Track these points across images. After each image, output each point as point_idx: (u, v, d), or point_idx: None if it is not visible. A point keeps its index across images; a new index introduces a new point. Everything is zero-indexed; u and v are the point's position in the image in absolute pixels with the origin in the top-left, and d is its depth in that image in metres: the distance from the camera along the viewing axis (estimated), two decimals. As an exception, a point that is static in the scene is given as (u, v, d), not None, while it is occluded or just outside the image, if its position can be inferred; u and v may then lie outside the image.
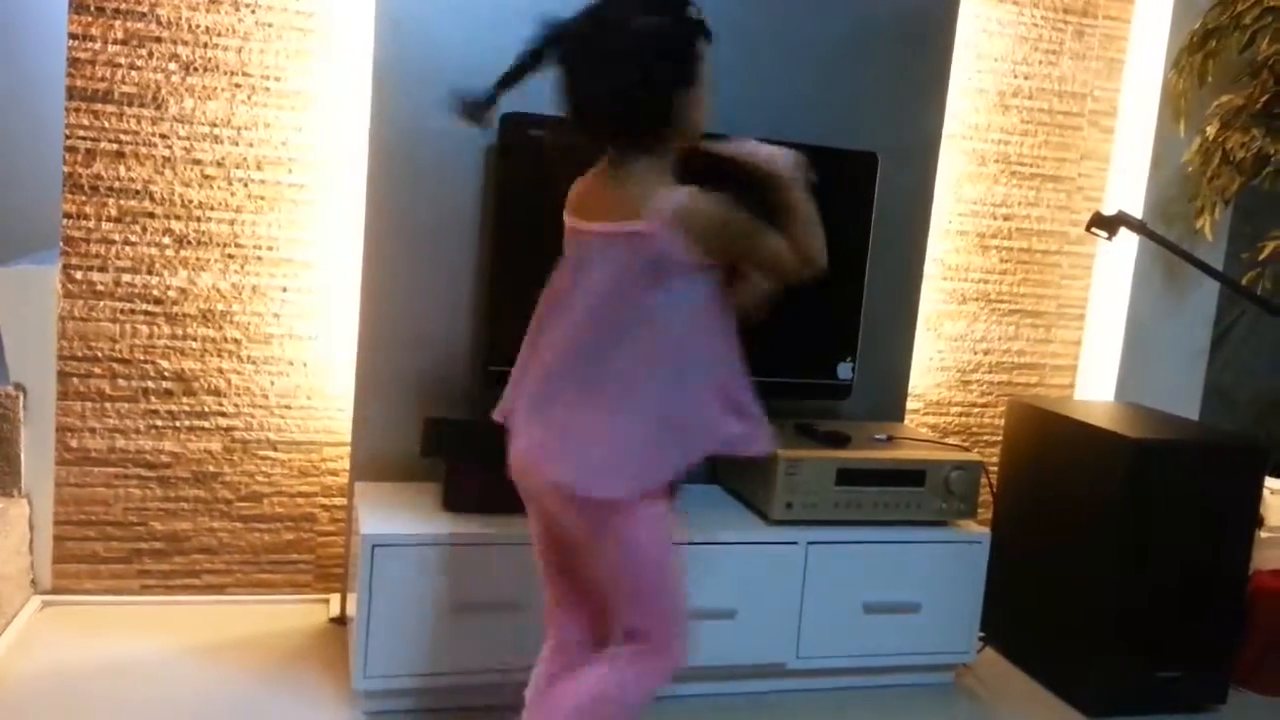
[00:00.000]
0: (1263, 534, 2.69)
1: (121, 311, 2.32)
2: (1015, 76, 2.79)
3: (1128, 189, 2.83)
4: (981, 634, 2.38)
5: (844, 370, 2.44)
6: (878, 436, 2.38)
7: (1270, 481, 2.83)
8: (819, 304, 2.41)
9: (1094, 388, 2.91)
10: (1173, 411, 2.65)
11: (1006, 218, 2.85)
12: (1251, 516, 2.37)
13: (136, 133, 2.28)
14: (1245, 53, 2.58)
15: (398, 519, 2.05)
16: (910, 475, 2.27)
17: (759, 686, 2.24)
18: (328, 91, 2.35)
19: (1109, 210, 2.61)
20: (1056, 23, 2.80)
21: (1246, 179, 2.55)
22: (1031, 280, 2.89)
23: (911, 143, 2.55)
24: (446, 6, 2.21)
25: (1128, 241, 2.73)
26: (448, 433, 2.14)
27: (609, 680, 1.50)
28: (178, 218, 2.32)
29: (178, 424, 2.37)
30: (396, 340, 2.26)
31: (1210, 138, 2.61)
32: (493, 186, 2.24)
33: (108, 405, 2.33)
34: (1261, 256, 2.52)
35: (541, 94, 2.21)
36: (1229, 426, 3.20)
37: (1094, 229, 2.50)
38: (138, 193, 2.29)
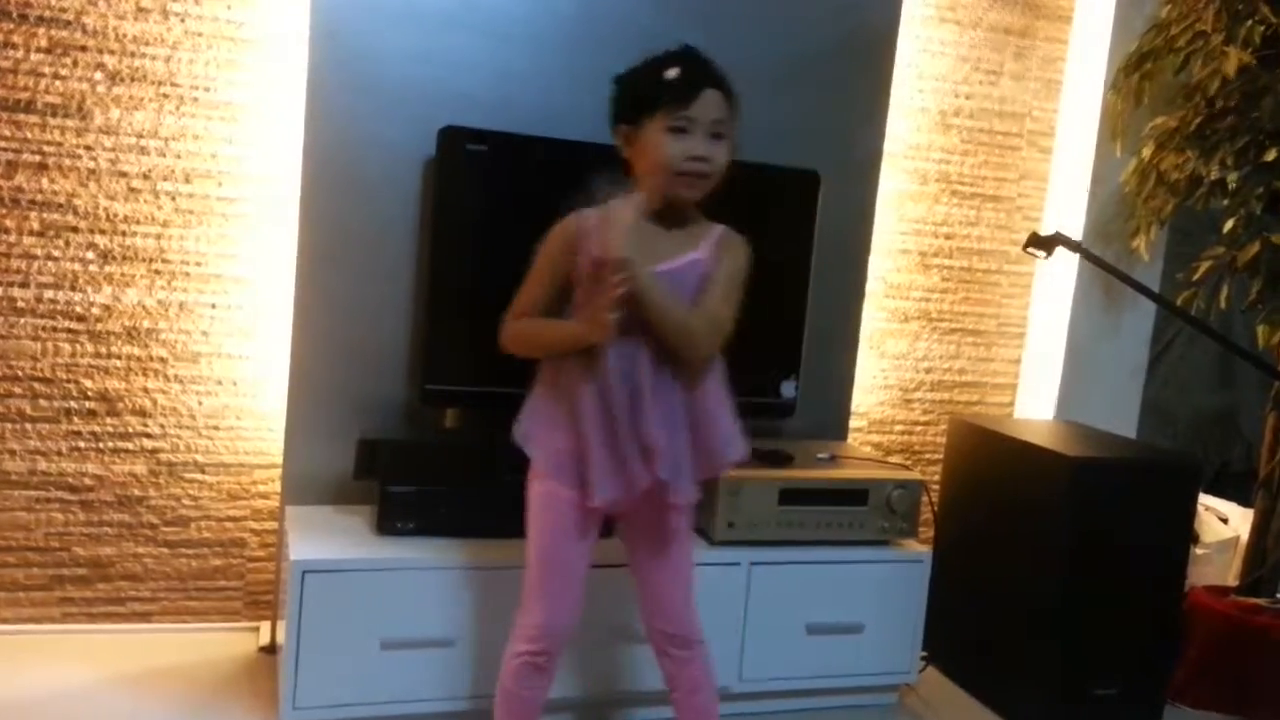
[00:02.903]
0: (1198, 551, 2.73)
1: (43, 329, 2.24)
2: (956, 96, 2.82)
3: (1066, 209, 2.87)
4: (924, 654, 2.38)
5: (787, 389, 2.43)
6: (820, 456, 2.37)
7: (1205, 498, 2.87)
8: (762, 322, 2.40)
9: (1034, 406, 2.94)
10: (1111, 429, 2.68)
11: (947, 236, 2.86)
12: (1187, 533, 2.40)
13: (60, 144, 2.20)
14: (1179, 75, 2.62)
15: (329, 544, 2.00)
16: (852, 495, 2.26)
17: (701, 710, 2.21)
18: (260, 103, 2.29)
19: (1046, 230, 2.64)
20: (996, 43, 2.83)
21: (1181, 200, 2.59)
22: (972, 299, 2.91)
23: (853, 161, 2.55)
24: (383, 17, 2.17)
25: (1066, 261, 2.76)
26: (381, 454, 2.09)
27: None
28: (102, 232, 2.25)
29: (101, 445, 2.29)
30: (330, 358, 2.21)
31: (1146, 159, 2.65)
32: (431, 200, 2.20)
33: (28, 426, 2.25)
34: (1196, 276, 2.56)
35: (480, 108, 2.20)
36: (1166, 444, 3.25)
37: (1030, 249, 2.52)
38: (61, 206, 2.22)
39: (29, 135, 2.18)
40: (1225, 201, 2.52)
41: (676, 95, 1.58)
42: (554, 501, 1.67)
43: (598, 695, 2.11)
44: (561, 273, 1.66)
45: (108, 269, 2.26)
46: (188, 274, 2.30)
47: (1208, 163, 2.48)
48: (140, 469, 2.32)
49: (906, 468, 2.41)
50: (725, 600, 2.16)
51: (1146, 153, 2.65)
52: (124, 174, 2.24)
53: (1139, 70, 2.66)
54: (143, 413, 2.31)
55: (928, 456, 2.92)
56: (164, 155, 2.26)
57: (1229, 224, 2.52)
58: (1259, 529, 2.58)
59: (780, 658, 2.22)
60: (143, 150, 2.25)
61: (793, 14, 2.46)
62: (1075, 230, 2.80)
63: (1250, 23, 2.45)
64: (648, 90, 1.60)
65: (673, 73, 1.59)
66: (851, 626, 2.27)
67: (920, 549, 2.33)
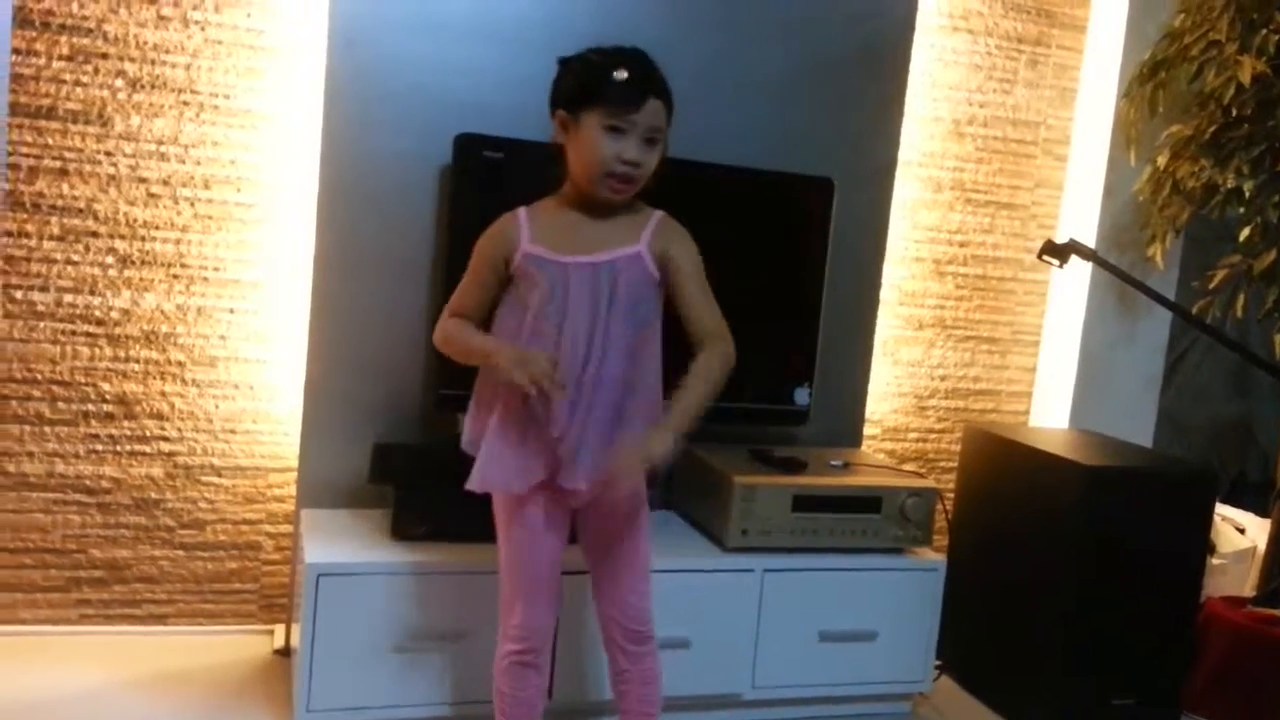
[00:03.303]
0: (1214, 561, 2.71)
1: (62, 333, 2.26)
2: (970, 104, 2.82)
3: (1081, 217, 2.86)
4: (938, 662, 2.37)
5: (801, 396, 2.43)
6: (834, 463, 2.37)
7: (1221, 508, 2.85)
8: (776, 329, 2.41)
9: (1049, 414, 2.93)
10: (1126, 438, 2.67)
11: (962, 244, 2.86)
12: (1203, 543, 2.39)
13: (81, 150, 2.23)
14: (1194, 84, 2.62)
15: (344, 547, 2.01)
16: (866, 502, 2.26)
17: (714, 718, 2.21)
18: (278, 110, 2.31)
19: (1061, 238, 2.63)
20: (1010, 52, 2.83)
21: (1196, 208, 2.58)
22: (987, 307, 2.91)
23: (868, 169, 2.56)
24: (401, 26, 2.19)
25: (1081, 269, 2.76)
26: (396, 458, 2.09)
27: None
28: (122, 237, 2.27)
29: (119, 448, 2.31)
30: (346, 363, 2.22)
31: (1161, 167, 2.64)
32: (446, 207, 2.21)
33: (47, 429, 2.27)
34: (1212, 285, 2.55)
35: (496, 115, 2.21)
36: (1181, 453, 3.23)
37: (1045, 257, 2.52)
38: (81, 211, 2.24)
39: (50, 141, 2.21)
40: (1241, 210, 2.52)
41: (622, 97, 1.57)
42: (511, 502, 1.70)
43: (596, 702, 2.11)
44: (499, 275, 1.68)
45: (127, 273, 2.28)
46: (206, 279, 2.32)
47: (1223, 171, 2.48)
48: (157, 472, 2.34)
49: (921, 475, 2.41)
50: (738, 607, 2.16)
51: (1161, 161, 2.64)
52: (144, 180, 2.26)
53: (1153, 79, 2.66)
54: (160, 416, 2.33)
55: (942, 464, 2.91)
56: (183, 161, 2.28)
57: (1245, 232, 2.51)
58: (1276, 539, 2.56)
59: (793, 665, 2.22)
60: (162, 156, 2.27)
61: (807, 23, 2.47)
62: (1090, 238, 2.79)
63: (1265, 31, 2.44)
64: (591, 84, 1.59)
65: (621, 74, 1.58)
66: (865, 634, 2.26)
67: (934, 557, 2.32)
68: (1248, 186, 2.46)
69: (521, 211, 1.68)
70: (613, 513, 1.72)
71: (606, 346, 1.61)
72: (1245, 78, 2.40)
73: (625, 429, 1.63)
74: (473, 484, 1.67)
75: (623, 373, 1.63)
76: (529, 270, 1.63)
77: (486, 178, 2.15)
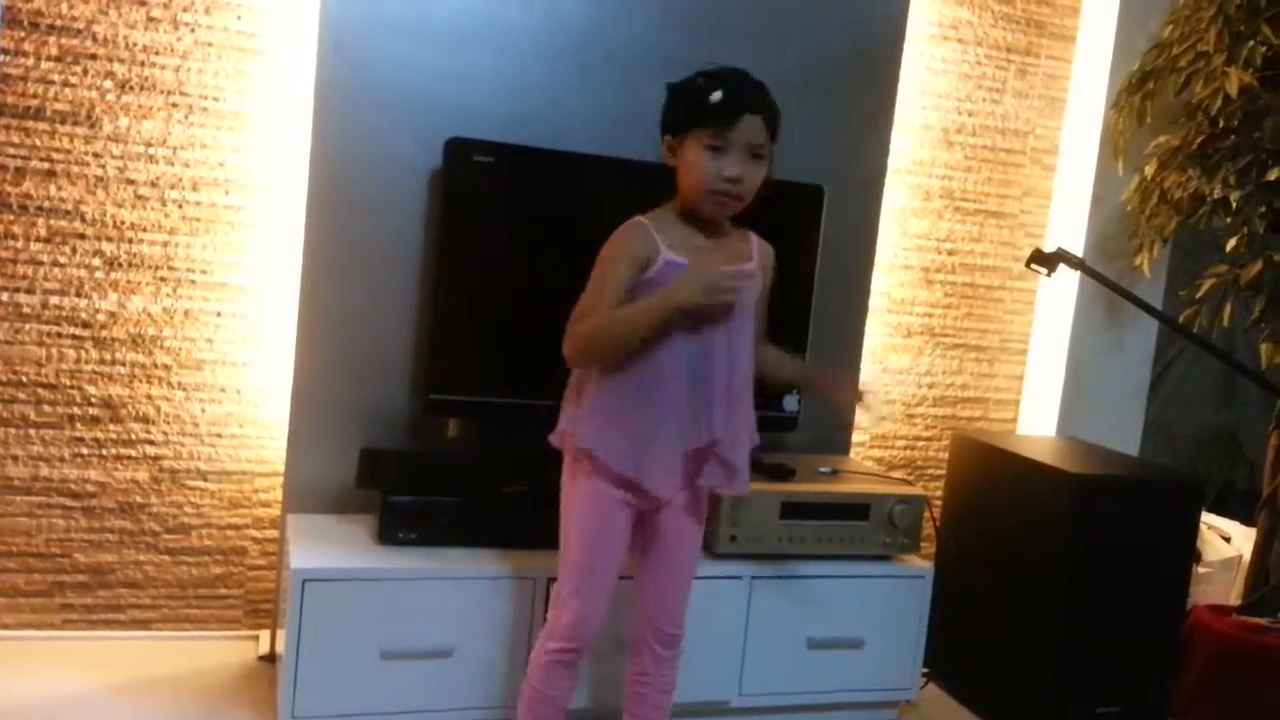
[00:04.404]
0: (1200, 569, 2.72)
1: (48, 335, 2.24)
2: (959, 113, 2.83)
3: (1069, 226, 2.87)
4: (925, 669, 2.37)
5: (790, 403, 2.43)
6: (822, 470, 2.37)
7: (1207, 517, 2.87)
8: (765, 335, 2.40)
9: (1036, 422, 2.94)
10: (1113, 447, 2.68)
11: (951, 252, 2.87)
12: (1189, 551, 2.39)
13: (69, 151, 2.21)
14: (1181, 95, 2.64)
15: (330, 552, 2.00)
16: (854, 509, 2.26)
17: (701, 724, 2.21)
18: (268, 112, 2.31)
19: (1049, 247, 2.64)
20: (1000, 61, 2.84)
21: (1184, 218, 2.60)
22: (975, 315, 2.92)
23: (857, 177, 2.56)
24: (391, 30, 2.18)
25: (1069, 278, 2.77)
26: (384, 463, 2.09)
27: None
28: (109, 239, 2.25)
29: (104, 452, 2.29)
30: (334, 367, 2.21)
31: (1148, 177, 2.66)
32: (436, 212, 2.21)
33: (31, 432, 2.25)
34: (1199, 294, 2.56)
35: (486, 120, 2.21)
36: (1168, 462, 3.24)
37: (1033, 265, 2.53)
38: (68, 213, 2.23)
39: (38, 142, 2.20)
40: (1228, 220, 2.53)
41: (717, 116, 1.63)
42: (601, 502, 1.71)
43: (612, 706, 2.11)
44: (635, 278, 1.67)
45: (114, 276, 2.27)
46: (193, 281, 2.31)
47: (1210, 181, 2.49)
48: (142, 476, 2.32)
49: (909, 483, 2.41)
50: (726, 613, 2.16)
51: (1149, 171, 2.66)
52: (132, 182, 2.25)
53: (1141, 89, 2.67)
54: (146, 420, 2.31)
55: (930, 472, 2.92)
56: (172, 164, 2.27)
57: (1231, 242, 2.53)
58: (1261, 548, 2.57)
59: (781, 672, 2.22)
60: (151, 158, 2.26)
61: (798, 31, 2.48)
62: (1078, 247, 2.80)
63: (1252, 44, 2.46)
64: (691, 106, 1.66)
65: (717, 95, 1.64)
66: (852, 641, 2.26)
67: (922, 564, 2.33)
68: (1234, 197, 2.47)
69: (645, 221, 1.69)
70: (691, 510, 1.79)
71: (736, 352, 1.72)
72: (1232, 89, 2.42)
73: (747, 431, 1.77)
74: (628, 472, 1.67)
75: (747, 378, 1.75)
76: (670, 276, 1.65)
77: (477, 183, 2.15)
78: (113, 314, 2.27)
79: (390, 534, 2.05)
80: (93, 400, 2.28)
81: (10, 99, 2.17)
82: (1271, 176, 2.44)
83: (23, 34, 2.16)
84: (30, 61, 2.17)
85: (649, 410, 1.68)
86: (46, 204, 2.22)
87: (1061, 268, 2.54)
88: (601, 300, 1.66)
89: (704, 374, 1.69)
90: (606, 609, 1.75)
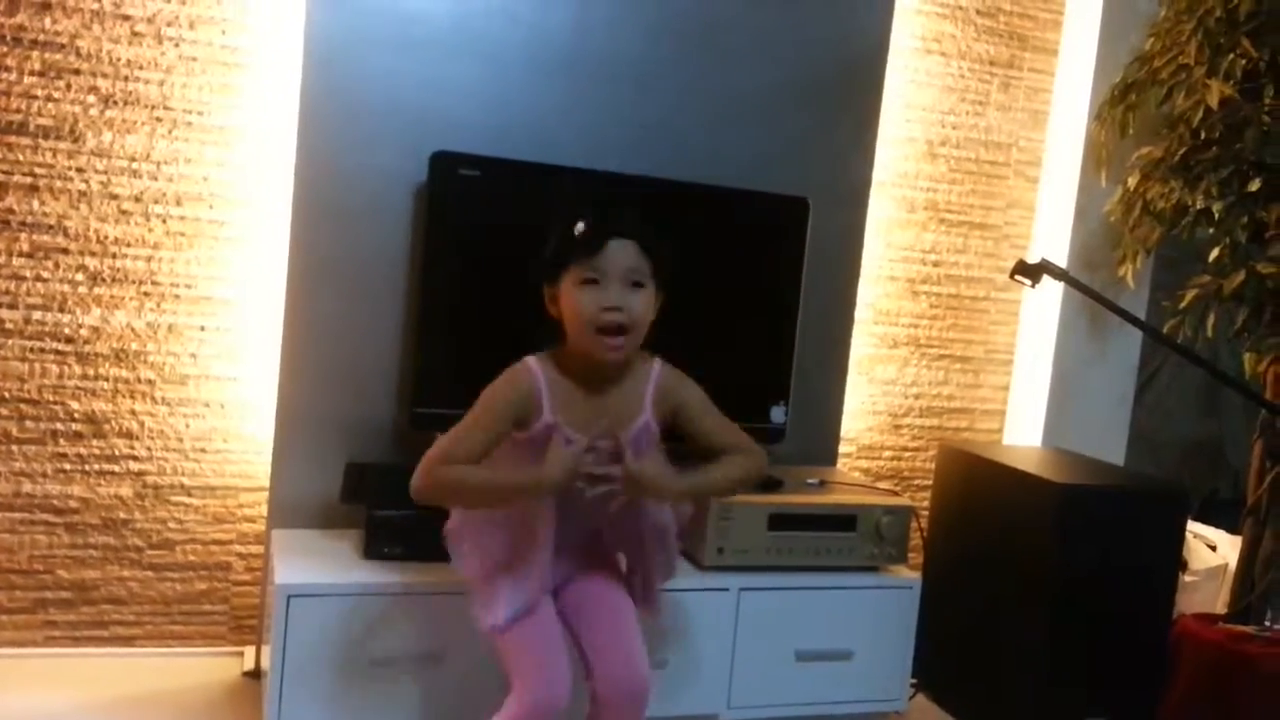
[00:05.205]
0: (1186, 578, 2.73)
1: (31, 350, 2.23)
2: (943, 126, 2.84)
3: (1052, 237, 2.89)
4: (913, 680, 2.37)
5: (777, 414, 2.43)
6: (810, 481, 2.37)
7: (1193, 526, 2.88)
8: (752, 348, 2.41)
9: (1022, 432, 2.95)
10: (1099, 456, 2.69)
11: (935, 264, 2.88)
12: (1175, 561, 2.40)
13: (52, 166, 2.21)
14: (1163, 106, 2.66)
15: (315, 568, 1.98)
16: (842, 520, 2.26)
17: (689, 738, 2.20)
18: (252, 127, 2.30)
19: (1033, 258, 2.66)
20: (983, 74, 2.86)
21: (1167, 229, 2.61)
22: (960, 326, 2.93)
23: (843, 190, 2.57)
24: (376, 43, 2.18)
25: (1053, 289, 2.78)
26: (369, 478, 2.08)
27: None
28: (92, 254, 2.24)
29: (87, 468, 2.28)
30: (319, 382, 2.21)
31: (1131, 188, 2.67)
32: (422, 226, 2.21)
33: (14, 448, 2.23)
34: (1182, 305, 2.57)
35: (472, 133, 2.21)
36: (1153, 472, 3.26)
37: (1018, 276, 2.54)
38: (51, 228, 2.22)
39: (20, 157, 2.19)
40: (1210, 230, 2.54)
41: (584, 249, 1.59)
42: (498, 598, 1.67)
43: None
44: (506, 427, 1.64)
45: (97, 291, 2.25)
46: (177, 296, 2.30)
47: (1193, 192, 2.51)
48: (126, 492, 2.31)
49: (896, 493, 2.41)
50: (714, 626, 2.15)
51: (1132, 182, 2.67)
52: (115, 196, 2.25)
53: (1123, 101, 2.69)
54: (129, 435, 2.30)
55: (917, 482, 2.92)
56: (156, 178, 2.26)
57: (1214, 253, 2.54)
58: (1247, 556, 2.58)
59: (769, 684, 2.21)
60: (134, 173, 2.25)
61: (783, 44, 2.49)
62: (1062, 258, 2.82)
63: (1231, 56, 2.48)
64: (560, 247, 1.62)
65: (580, 227, 1.60)
66: (841, 653, 2.26)
67: (909, 575, 2.33)
68: (1217, 208, 2.49)
69: (537, 370, 1.65)
70: (597, 564, 1.78)
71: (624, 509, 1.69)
72: (1213, 101, 2.44)
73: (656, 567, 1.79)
74: (498, 621, 1.65)
75: (644, 521, 1.74)
76: (546, 440, 1.63)
77: (462, 196, 2.15)
78: (96, 329, 2.26)
79: (376, 549, 2.04)
80: (76, 416, 2.27)
81: (-7, 114, 2.17)
82: (1253, 187, 2.46)
83: (5, 49, 2.15)
84: (13, 76, 2.17)
85: (500, 536, 1.69)
86: (29, 219, 2.21)
87: (1046, 279, 2.55)
88: (462, 446, 1.61)
89: (566, 523, 1.68)
90: (567, 676, 1.64)
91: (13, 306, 2.21)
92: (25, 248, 2.21)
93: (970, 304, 2.93)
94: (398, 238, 2.23)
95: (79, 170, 2.22)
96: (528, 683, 1.62)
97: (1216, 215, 2.50)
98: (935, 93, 2.83)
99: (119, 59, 2.22)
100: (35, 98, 2.18)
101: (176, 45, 2.24)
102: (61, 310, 2.24)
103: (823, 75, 2.53)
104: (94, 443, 2.28)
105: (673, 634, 2.12)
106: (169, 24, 2.23)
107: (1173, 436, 3.42)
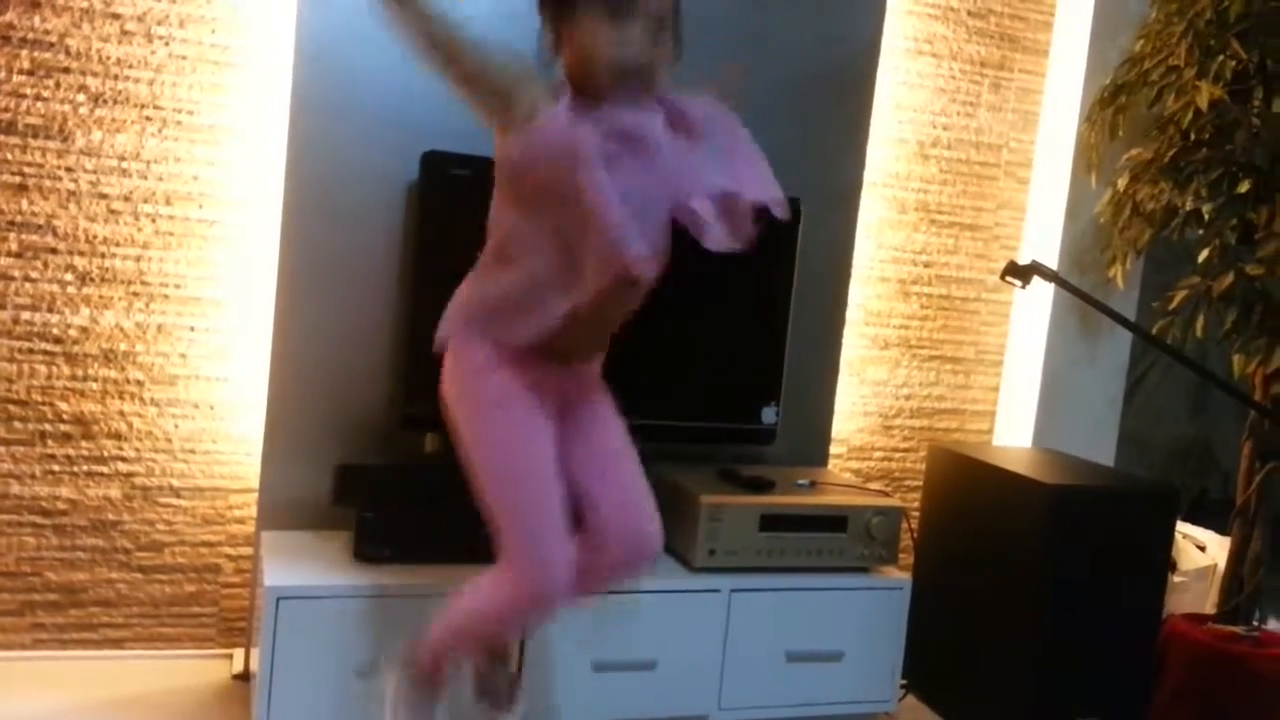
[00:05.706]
0: (1175, 579, 2.74)
1: (19, 351, 2.22)
2: (934, 127, 2.85)
3: (1043, 238, 2.90)
4: (903, 681, 2.37)
5: (768, 415, 2.43)
6: (800, 482, 2.37)
7: (1182, 526, 2.89)
8: (743, 348, 2.41)
9: (1012, 433, 2.95)
10: (1088, 457, 2.70)
11: (926, 265, 2.89)
12: (1165, 561, 2.41)
13: (41, 165, 2.19)
14: (1153, 108, 2.66)
15: (305, 570, 1.98)
16: (832, 521, 2.26)
17: (680, 739, 2.20)
18: (243, 126, 2.29)
19: (1024, 259, 2.66)
20: (974, 76, 2.87)
21: (1157, 230, 2.62)
22: (951, 326, 2.93)
23: (834, 190, 2.58)
24: (368, 42, 2.18)
25: (1043, 290, 2.79)
26: (360, 479, 2.07)
27: (471, 599, 1.52)
28: (81, 254, 2.23)
29: (75, 469, 2.27)
30: (309, 383, 2.20)
31: (1121, 190, 2.68)
32: (413, 225, 2.20)
33: (2, 449, 2.22)
34: (1172, 306, 2.58)
35: (463, 133, 2.21)
36: (1143, 472, 3.27)
37: (1008, 277, 2.54)
38: (40, 227, 2.21)
39: (9, 156, 2.18)
40: (1200, 232, 2.55)
41: None
42: (513, 397, 1.44)
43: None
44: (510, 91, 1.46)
45: (86, 291, 2.24)
46: (166, 296, 2.29)
47: (1182, 194, 2.52)
48: (115, 493, 2.30)
49: (886, 494, 2.42)
50: (705, 627, 2.15)
51: (1122, 184, 2.68)
52: (105, 196, 2.24)
53: (1113, 103, 2.70)
54: (118, 436, 2.29)
55: (908, 483, 2.92)
56: (145, 178, 2.25)
57: (1204, 254, 2.55)
58: (1236, 557, 2.59)
59: (760, 685, 2.21)
60: (124, 172, 2.24)
61: (775, 46, 2.49)
62: (1052, 259, 2.83)
63: (1221, 58, 2.49)
64: None
65: None
66: (831, 654, 2.26)
67: (900, 576, 2.33)
68: (1206, 209, 2.50)
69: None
70: (598, 390, 1.56)
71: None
72: (1203, 103, 2.44)
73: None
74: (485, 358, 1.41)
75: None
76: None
77: (454, 195, 2.14)
78: (85, 329, 2.25)
79: (366, 550, 2.04)
80: (64, 417, 2.25)
81: (-19, 113, 2.15)
82: (1242, 189, 2.46)
83: (-7, 47, 2.14)
84: (2, 75, 2.15)
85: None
86: (18, 218, 2.19)
87: (1036, 280, 2.55)
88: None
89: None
90: (568, 548, 1.43)
91: (1, 307, 2.20)
92: (14, 247, 2.20)
93: (961, 305, 2.94)
94: (389, 237, 2.22)
95: (68, 169, 2.21)
96: (531, 558, 1.42)
97: (1206, 217, 2.51)
98: (926, 94, 2.83)
99: (108, 57, 2.21)
100: (24, 96, 2.17)
101: (166, 44, 2.23)
102: (50, 310, 2.23)
103: (814, 76, 2.53)
104: (83, 444, 2.27)
105: (663, 635, 2.11)
106: (159, 22, 2.22)
107: (1162, 438, 3.43)
